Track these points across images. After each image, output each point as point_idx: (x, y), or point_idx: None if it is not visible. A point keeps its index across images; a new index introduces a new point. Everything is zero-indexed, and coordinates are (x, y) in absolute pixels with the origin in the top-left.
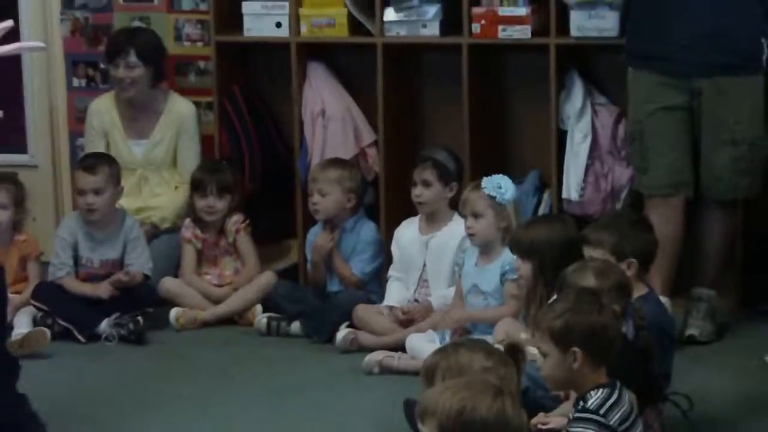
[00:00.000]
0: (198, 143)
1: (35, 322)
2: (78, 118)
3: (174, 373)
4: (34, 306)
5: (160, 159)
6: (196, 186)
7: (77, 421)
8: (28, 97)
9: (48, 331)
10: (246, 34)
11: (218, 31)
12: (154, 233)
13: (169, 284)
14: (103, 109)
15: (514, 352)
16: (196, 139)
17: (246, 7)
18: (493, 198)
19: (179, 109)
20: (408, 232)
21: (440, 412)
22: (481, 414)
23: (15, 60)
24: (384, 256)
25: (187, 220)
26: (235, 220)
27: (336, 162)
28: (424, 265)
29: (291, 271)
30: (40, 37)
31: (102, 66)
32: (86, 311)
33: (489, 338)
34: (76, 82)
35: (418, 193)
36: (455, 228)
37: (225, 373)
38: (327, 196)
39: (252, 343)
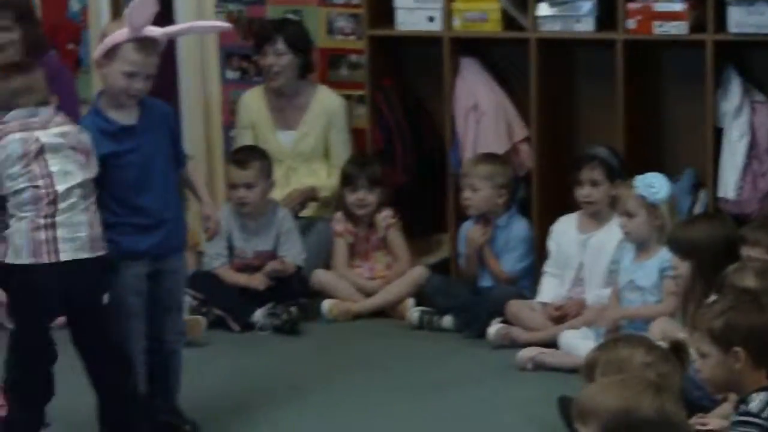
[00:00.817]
0: (348, 136)
1: (191, 310)
2: (231, 110)
3: (326, 364)
4: (191, 295)
5: (308, 151)
6: (347, 180)
7: (230, 409)
8: (182, 89)
9: (203, 319)
10: (398, 28)
11: (371, 25)
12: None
13: (321, 276)
14: (253, 101)
15: (678, 350)
16: (347, 133)
17: (399, 1)
18: (644, 197)
19: (328, 102)
20: (566, 229)
21: (603, 413)
22: (644, 413)
23: (170, 52)
24: (536, 253)
25: (338, 214)
26: (385, 216)
27: (487, 157)
28: (581, 263)
29: (442, 265)
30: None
31: (255, 58)
32: (241, 301)
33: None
34: (230, 74)
35: (587, 193)
36: (614, 228)
37: (377, 365)
38: (478, 191)
39: (404, 336)
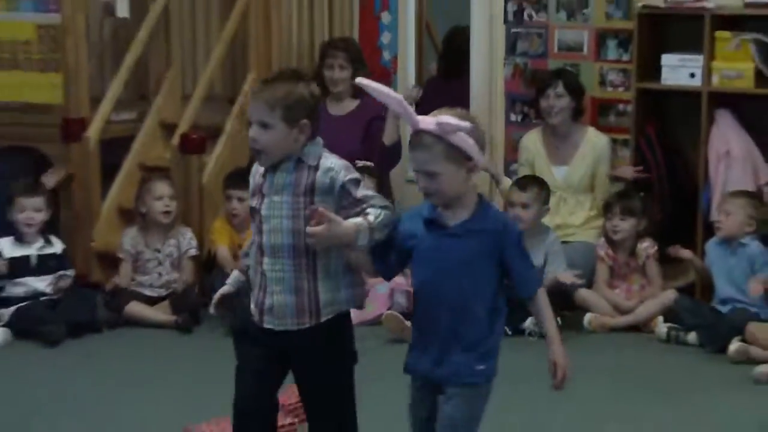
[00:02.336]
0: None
1: None
2: (513, 148)
3: (579, 368)
4: None
5: (576, 184)
6: (606, 208)
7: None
8: None
9: None
10: (663, 82)
11: (639, 79)
12: None
13: (584, 293)
14: (531, 141)
15: None
16: (609, 169)
17: (665, 60)
18: None
19: (596, 141)
20: None
21: None
22: None
23: (464, 94)
24: None
25: (601, 240)
26: (646, 246)
27: (745, 192)
28: None
29: (689, 288)
30: (486, 77)
31: (536, 103)
32: (519, 309)
33: None
34: (513, 117)
35: None
36: None
37: (624, 374)
38: (730, 216)
39: (652, 348)
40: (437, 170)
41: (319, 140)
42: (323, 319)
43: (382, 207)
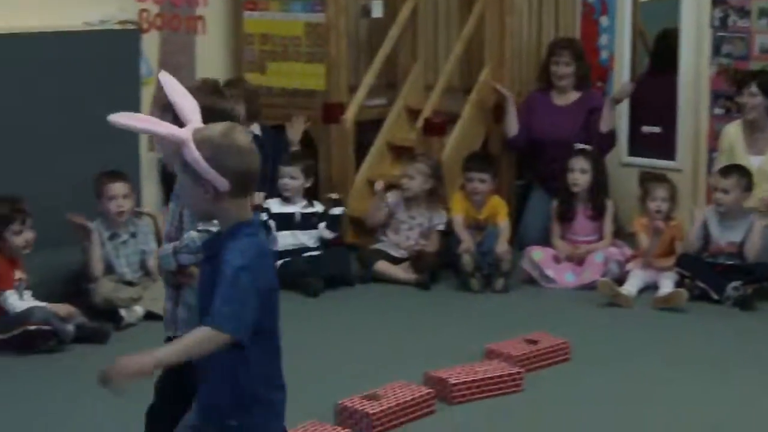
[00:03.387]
0: None
1: (677, 284)
2: (715, 137)
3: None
4: (678, 272)
5: None
6: None
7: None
8: (681, 118)
9: (685, 292)
10: None
11: None
12: None
13: None
14: (731, 132)
15: None
16: None
17: None
18: None
19: None
20: None
21: None
22: None
23: (672, 89)
24: None
25: None
26: None
27: None
28: None
29: None
30: (693, 75)
31: (735, 99)
32: (718, 277)
33: None
34: (716, 110)
35: None
36: None
37: None
38: None
39: None
40: (180, 178)
41: None
42: None
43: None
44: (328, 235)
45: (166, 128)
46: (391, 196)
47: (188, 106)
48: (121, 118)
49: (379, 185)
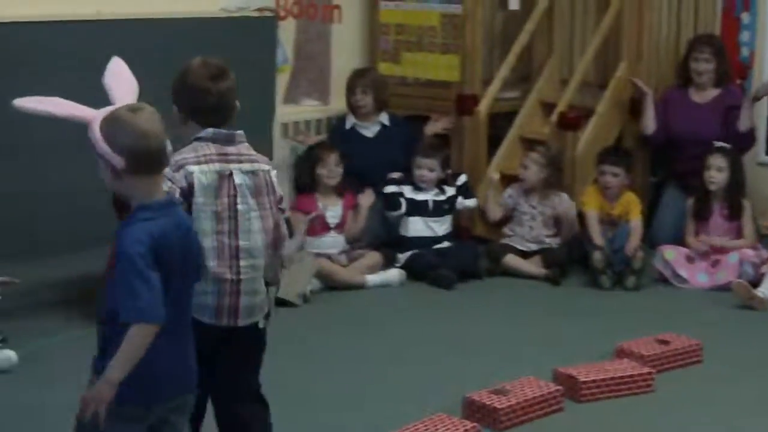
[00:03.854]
0: None
1: None
2: None
3: None
4: None
5: None
6: None
7: None
8: None
9: None
10: None
11: None
12: None
13: None
14: None
15: None
16: None
17: None
18: None
19: None
20: None
21: None
22: None
23: None
24: None
25: None
26: None
27: None
28: None
29: None
30: None
31: None
32: None
33: None
34: None
35: None
36: None
37: None
38: None
39: None
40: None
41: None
42: None
43: None
44: (471, 203)
45: (67, 110)
46: (510, 190)
47: (124, 88)
48: (26, 103)
49: (494, 176)
